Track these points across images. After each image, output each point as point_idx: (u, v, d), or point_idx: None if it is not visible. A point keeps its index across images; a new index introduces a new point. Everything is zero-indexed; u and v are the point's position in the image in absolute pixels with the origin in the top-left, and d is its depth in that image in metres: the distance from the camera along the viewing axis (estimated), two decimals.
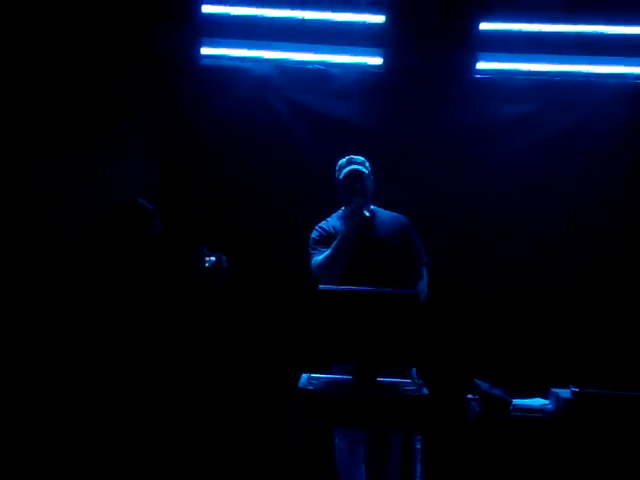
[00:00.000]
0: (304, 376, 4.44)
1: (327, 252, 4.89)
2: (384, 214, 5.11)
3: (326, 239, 4.97)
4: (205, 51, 5.82)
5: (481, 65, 5.83)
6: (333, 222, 5.08)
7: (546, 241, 5.84)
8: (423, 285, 4.98)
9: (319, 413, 4.20)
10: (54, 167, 5.66)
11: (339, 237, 4.88)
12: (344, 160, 5.06)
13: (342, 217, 5.05)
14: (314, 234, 5.05)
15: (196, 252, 4.54)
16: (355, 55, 5.84)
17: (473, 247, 5.84)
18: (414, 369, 4.75)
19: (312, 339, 4.33)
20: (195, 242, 5.17)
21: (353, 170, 5.00)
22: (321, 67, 5.89)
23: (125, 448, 4.36)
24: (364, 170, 5.02)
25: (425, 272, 5.06)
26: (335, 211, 5.14)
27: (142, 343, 4.40)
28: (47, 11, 5.67)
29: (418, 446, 4.77)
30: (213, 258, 4.54)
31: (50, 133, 5.69)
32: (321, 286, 4.39)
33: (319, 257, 4.92)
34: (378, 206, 5.12)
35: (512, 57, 5.82)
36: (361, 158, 5.06)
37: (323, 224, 5.09)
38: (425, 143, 5.84)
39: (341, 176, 5.03)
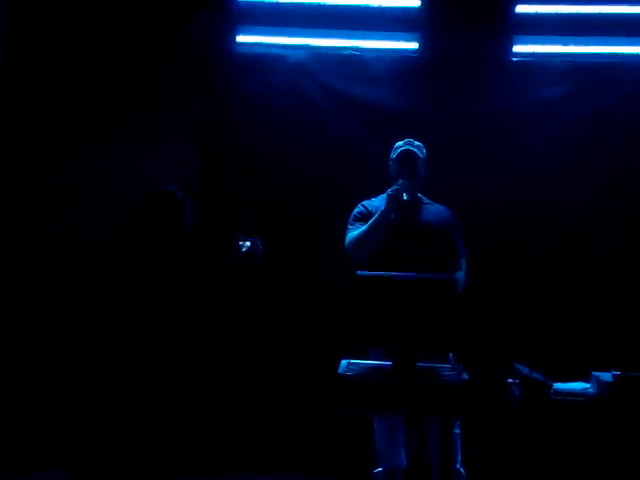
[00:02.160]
0: (343, 362, 4.44)
1: (362, 228, 4.92)
2: (430, 203, 5.13)
3: (366, 217, 4.99)
4: (240, 39, 5.83)
5: (518, 48, 5.79)
6: (378, 202, 5.06)
7: (587, 223, 5.78)
8: (461, 276, 4.96)
9: (359, 399, 4.20)
10: (93, 157, 5.75)
11: (376, 216, 4.90)
12: (402, 142, 5.07)
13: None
14: (356, 210, 5.08)
15: (231, 237, 4.55)
16: (390, 40, 5.81)
17: (511, 230, 5.79)
18: (451, 354, 4.75)
19: (350, 325, 4.33)
20: (230, 227, 5.20)
21: (408, 151, 5.01)
22: (356, 52, 5.88)
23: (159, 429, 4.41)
24: (419, 154, 5.02)
25: (464, 264, 5.05)
26: (384, 191, 5.12)
27: (174, 328, 4.42)
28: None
29: (457, 431, 4.77)
30: (248, 243, 4.55)
31: (87, 124, 5.77)
32: (359, 272, 4.38)
33: (354, 232, 4.96)
34: (425, 195, 5.13)
35: (549, 39, 5.76)
36: (419, 143, 5.06)
37: (367, 202, 5.11)
38: (461, 127, 5.80)
39: (395, 155, 5.05)
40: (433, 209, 5.11)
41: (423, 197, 5.13)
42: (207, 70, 5.88)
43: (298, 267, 5.85)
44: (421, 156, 5.04)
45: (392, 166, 5.08)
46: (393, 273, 4.41)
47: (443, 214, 5.11)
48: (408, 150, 5.01)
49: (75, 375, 5.39)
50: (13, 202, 5.73)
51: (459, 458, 4.85)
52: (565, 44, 5.76)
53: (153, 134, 5.78)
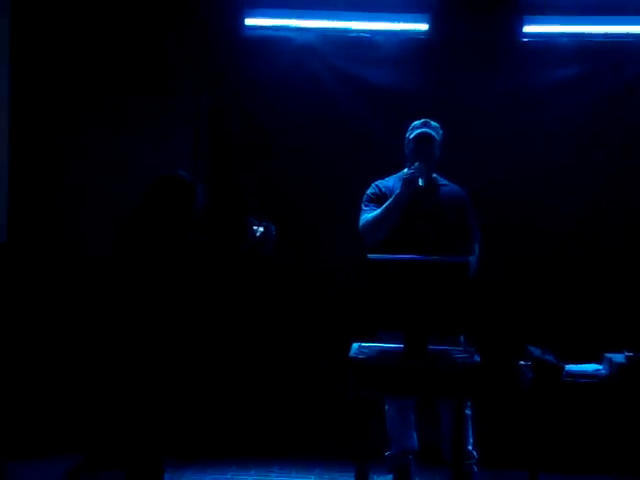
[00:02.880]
0: (354, 345, 4.45)
1: (376, 212, 4.89)
2: (445, 184, 5.08)
3: (380, 198, 4.96)
4: (249, 22, 5.81)
5: (528, 28, 5.75)
6: (392, 182, 5.03)
7: (601, 203, 5.76)
8: (473, 260, 4.92)
9: (371, 382, 4.21)
10: (100, 151, 5.74)
11: (391, 199, 4.87)
12: (419, 122, 5.02)
13: (401, 179, 4.99)
14: (369, 191, 5.04)
15: (244, 222, 4.54)
16: (400, 22, 5.77)
17: (524, 212, 5.77)
18: (463, 336, 4.74)
19: (362, 308, 4.33)
20: (243, 212, 5.19)
21: (425, 133, 4.96)
22: (365, 34, 5.85)
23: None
24: (435, 136, 4.98)
25: (477, 248, 5.03)
26: (394, 172, 5.10)
27: (185, 311, 4.42)
28: None
29: (468, 412, 4.78)
30: (262, 227, 4.53)
31: (94, 118, 5.76)
32: (370, 255, 4.38)
33: (368, 215, 4.93)
34: (440, 174, 5.10)
35: (559, 19, 5.72)
36: (436, 124, 5.02)
37: (380, 182, 5.07)
38: (472, 109, 5.77)
39: (412, 136, 4.99)
40: (448, 190, 5.06)
41: (438, 177, 5.08)
42: (216, 53, 5.85)
43: (308, 251, 5.86)
44: (437, 138, 4.99)
45: (407, 145, 5.03)
46: (404, 256, 4.41)
47: (457, 195, 5.06)
48: (425, 132, 4.95)
49: (78, 364, 5.47)
50: (20, 199, 5.74)
51: (471, 440, 4.87)
52: (576, 24, 5.72)
53: (162, 122, 5.77)
